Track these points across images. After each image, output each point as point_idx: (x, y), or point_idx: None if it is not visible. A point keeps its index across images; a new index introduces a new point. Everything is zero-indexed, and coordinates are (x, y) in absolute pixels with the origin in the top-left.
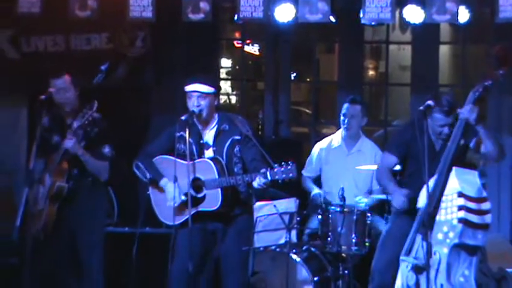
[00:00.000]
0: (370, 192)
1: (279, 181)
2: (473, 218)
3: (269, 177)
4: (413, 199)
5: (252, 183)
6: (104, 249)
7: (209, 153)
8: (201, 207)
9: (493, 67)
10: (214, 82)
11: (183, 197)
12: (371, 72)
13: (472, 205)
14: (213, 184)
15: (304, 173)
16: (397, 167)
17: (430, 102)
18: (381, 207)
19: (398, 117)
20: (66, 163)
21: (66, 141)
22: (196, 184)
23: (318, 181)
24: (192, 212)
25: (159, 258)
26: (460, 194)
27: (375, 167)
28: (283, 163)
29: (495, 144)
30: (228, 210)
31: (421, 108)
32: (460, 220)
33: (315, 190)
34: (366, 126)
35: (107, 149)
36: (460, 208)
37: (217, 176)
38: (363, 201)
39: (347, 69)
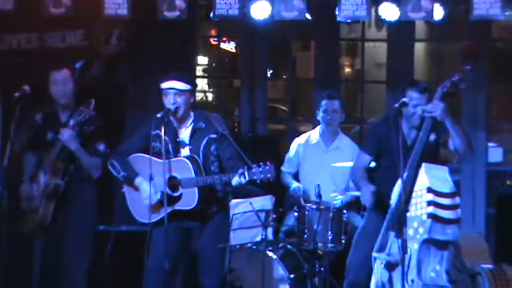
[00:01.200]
0: (347, 189)
1: (257, 181)
2: (442, 213)
3: (247, 178)
4: (386, 195)
5: (230, 182)
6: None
7: (185, 151)
8: (177, 206)
9: (461, 63)
10: (191, 79)
11: (158, 196)
12: (347, 70)
13: (441, 200)
14: (190, 183)
15: (284, 168)
16: (373, 164)
17: (405, 99)
18: (357, 204)
19: (374, 114)
20: (61, 162)
21: (62, 133)
22: (173, 183)
23: (297, 177)
24: (168, 211)
25: (135, 256)
26: (429, 190)
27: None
28: (261, 163)
29: (463, 139)
30: (204, 208)
31: (396, 105)
32: (429, 215)
33: (294, 184)
34: (342, 124)
35: (101, 146)
36: (429, 203)
37: (194, 175)
38: (338, 198)
39: (323, 67)
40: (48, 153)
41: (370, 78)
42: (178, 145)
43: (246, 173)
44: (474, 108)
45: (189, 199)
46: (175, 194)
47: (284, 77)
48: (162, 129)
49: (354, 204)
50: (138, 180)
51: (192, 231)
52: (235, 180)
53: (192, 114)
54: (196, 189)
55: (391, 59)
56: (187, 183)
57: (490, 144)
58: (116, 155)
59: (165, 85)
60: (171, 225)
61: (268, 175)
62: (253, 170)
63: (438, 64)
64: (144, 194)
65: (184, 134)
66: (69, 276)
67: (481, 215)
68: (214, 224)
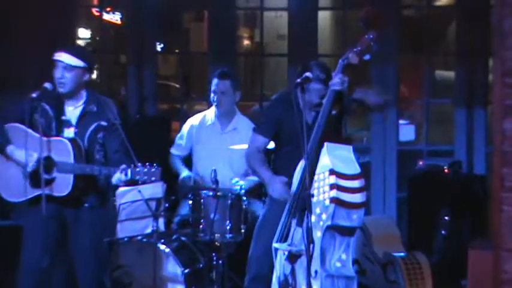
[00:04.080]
0: (246, 174)
1: (139, 181)
2: (346, 196)
3: (129, 176)
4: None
5: (110, 177)
6: None
7: (69, 132)
8: (48, 191)
9: (363, 32)
10: (85, 55)
11: (34, 160)
12: (246, 42)
13: (344, 183)
14: (66, 168)
15: (173, 151)
16: (272, 145)
17: (308, 74)
18: (259, 190)
19: (276, 90)
20: None
21: None
22: (47, 163)
23: (188, 161)
24: (37, 193)
25: (11, 253)
26: (332, 171)
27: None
28: (148, 164)
29: (377, 93)
30: (80, 198)
31: (299, 80)
32: (332, 199)
33: (184, 172)
34: (241, 101)
35: None
36: (332, 186)
37: (72, 161)
38: (239, 184)
39: (218, 39)
40: None
41: (271, 51)
42: (62, 124)
43: (129, 171)
44: (383, 82)
45: (62, 185)
46: (48, 177)
47: (176, 51)
48: (46, 104)
49: (255, 190)
50: (10, 148)
51: (69, 224)
52: (116, 177)
53: (84, 94)
54: (72, 175)
55: (292, 29)
56: (62, 167)
57: (401, 121)
58: None
59: (55, 55)
60: (42, 214)
61: (153, 178)
62: (138, 169)
63: (344, 34)
64: (18, 162)
65: (72, 114)
66: None
67: (392, 199)
68: (91, 217)
